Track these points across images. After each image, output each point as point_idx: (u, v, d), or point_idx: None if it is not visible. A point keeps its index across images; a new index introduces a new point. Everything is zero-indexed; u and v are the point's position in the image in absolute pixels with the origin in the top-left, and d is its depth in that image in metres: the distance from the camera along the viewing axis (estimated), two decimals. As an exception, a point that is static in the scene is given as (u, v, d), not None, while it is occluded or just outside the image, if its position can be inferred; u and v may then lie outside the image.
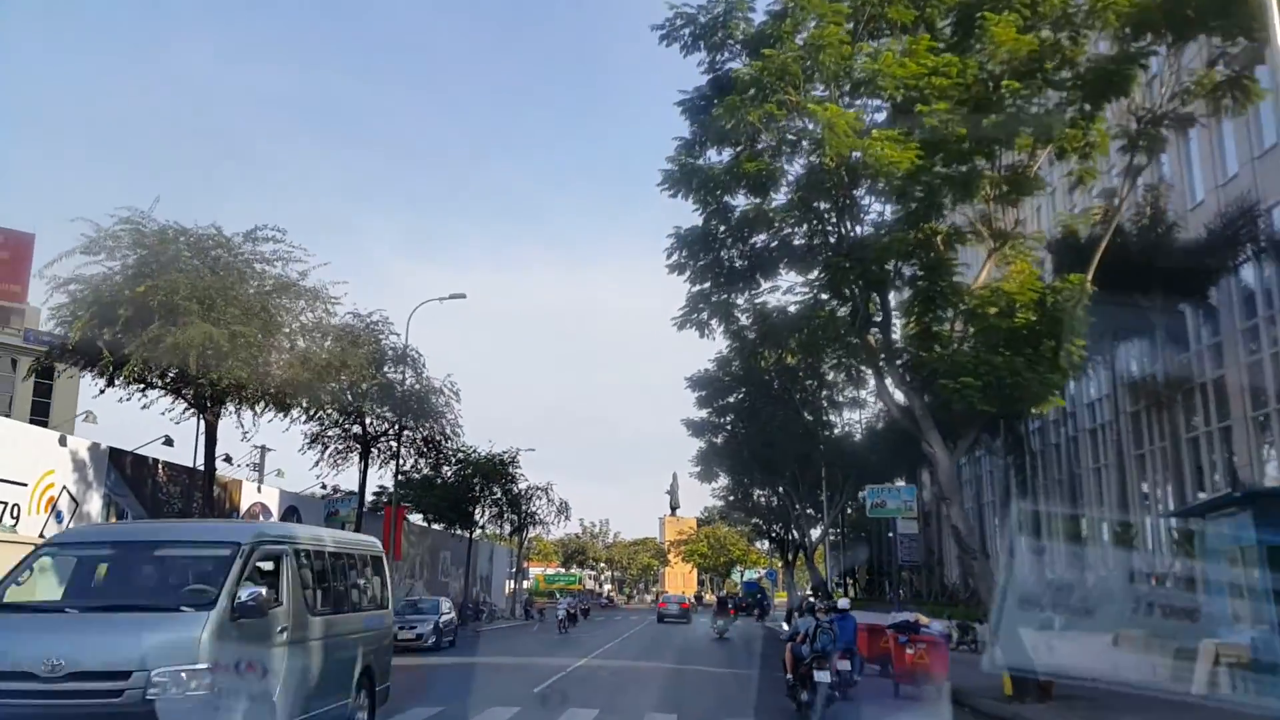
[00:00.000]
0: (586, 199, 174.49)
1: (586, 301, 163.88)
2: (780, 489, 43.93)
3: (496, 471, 42.57)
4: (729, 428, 39.51)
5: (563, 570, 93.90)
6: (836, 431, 36.91)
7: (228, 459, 25.30)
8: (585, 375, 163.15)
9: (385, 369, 28.17)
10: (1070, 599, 25.64)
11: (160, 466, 23.01)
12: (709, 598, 73.49)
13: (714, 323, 20.78)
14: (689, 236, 19.40)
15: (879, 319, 19.14)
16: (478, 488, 43.00)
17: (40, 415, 37.76)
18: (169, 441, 23.28)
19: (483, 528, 55.55)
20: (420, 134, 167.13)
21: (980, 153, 16.41)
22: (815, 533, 46.60)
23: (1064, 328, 16.69)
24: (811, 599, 19.94)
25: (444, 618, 28.24)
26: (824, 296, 20.26)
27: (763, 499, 49.01)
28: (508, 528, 54.79)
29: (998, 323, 16.99)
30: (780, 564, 60.56)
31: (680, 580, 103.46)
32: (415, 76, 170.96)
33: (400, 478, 40.87)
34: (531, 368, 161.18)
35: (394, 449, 29.88)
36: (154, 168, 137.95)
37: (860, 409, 36.93)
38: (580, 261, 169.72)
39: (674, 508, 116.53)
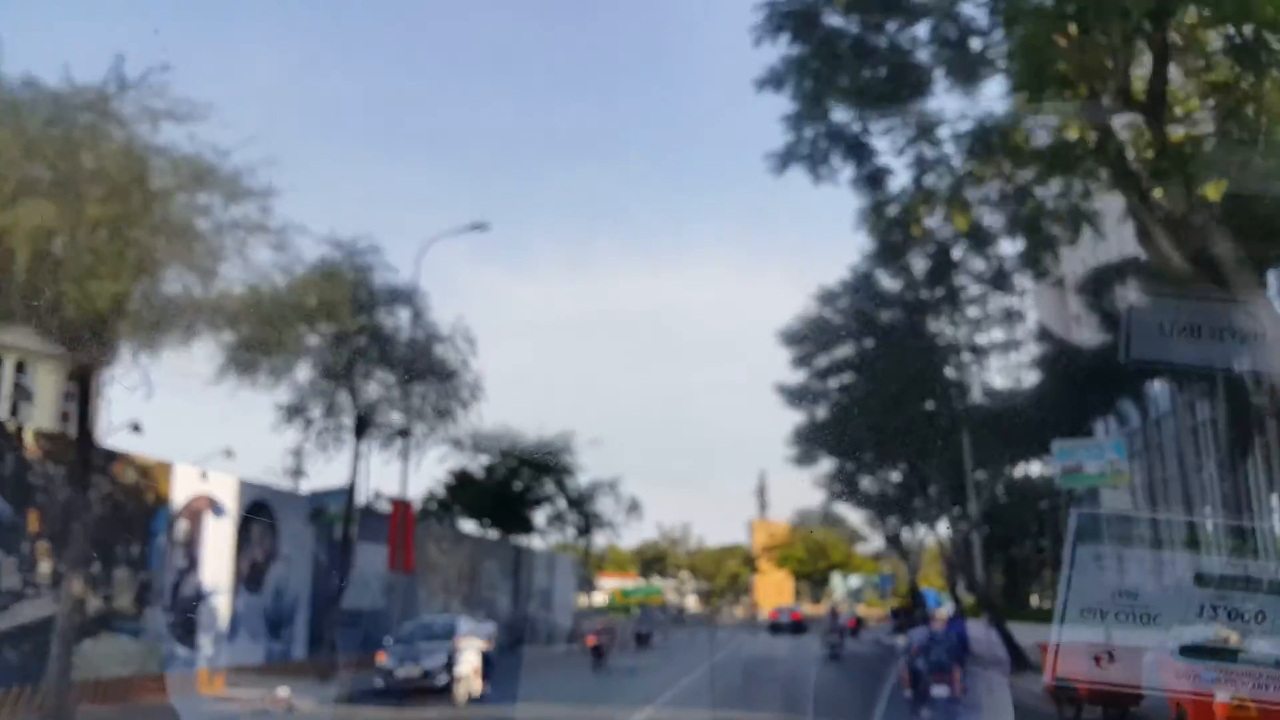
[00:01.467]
0: (665, 198, 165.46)
1: (667, 303, 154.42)
2: (901, 469, 35.13)
3: (547, 462, 34.88)
4: (836, 391, 30.92)
5: (642, 581, 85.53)
6: (982, 386, 27.91)
7: (136, 429, 18.48)
8: (665, 378, 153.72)
9: (377, 313, 20.84)
10: None
11: (29, 437, 15.95)
12: (816, 609, 63.76)
13: (835, 157, 12.70)
14: (788, 4, 11.55)
15: (1144, 100, 10.80)
16: (526, 482, 35.37)
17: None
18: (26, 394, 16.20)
19: (541, 534, 48.13)
20: (488, 136, 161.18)
21: None
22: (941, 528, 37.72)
23: None
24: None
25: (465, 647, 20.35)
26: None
27: (873, 487, 40.07)
28: (572, 532, 47.11)
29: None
30: (901, 566, 51.31)
31: (773, 590, 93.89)
32: (481, 76, 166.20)
33: (451, 480, 34.47)
34: (608, 371, 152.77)
35: (399, 425, 22.41)
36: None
37: (1013, 351, 27.71)
38: (660, 263, 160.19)
39: (763, 508, 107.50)
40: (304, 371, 21.25)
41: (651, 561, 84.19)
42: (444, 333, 21.54)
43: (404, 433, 22.52)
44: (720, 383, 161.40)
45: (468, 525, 38.42)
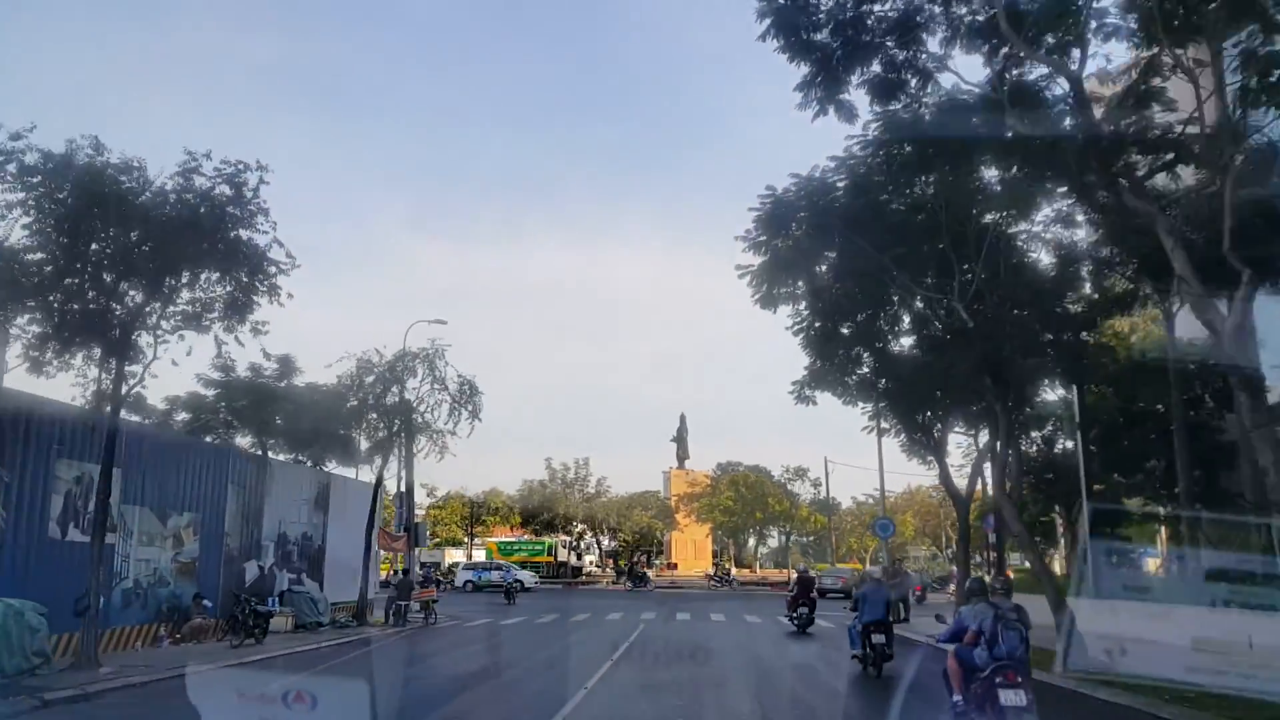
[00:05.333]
0: (599, 173, 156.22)
1: (597, 277, 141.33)
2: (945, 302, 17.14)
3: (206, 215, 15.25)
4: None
5: (525, 537, 66.60)
6: None
7: None
8: (587, 347, 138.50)
9: None
10: None
11: None
12: (741, 572, 46.88)
13: None
14: None
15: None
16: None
17: None
18: None
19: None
20: (425, 106, 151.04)
21: None
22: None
23: None
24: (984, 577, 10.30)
25: None
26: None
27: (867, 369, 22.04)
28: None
29: None
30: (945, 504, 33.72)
31: (692, 549, 76.41)
32: (419, 46, 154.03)
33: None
34: (537, 343, 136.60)
35: None
36: (145, 145, 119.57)
37: None
38: (591, 237, 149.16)
39: (682, 459, 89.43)
40: None
41: (536, 510, 64.83)
42: None
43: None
44: (642, 353, 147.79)
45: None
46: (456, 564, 65.65)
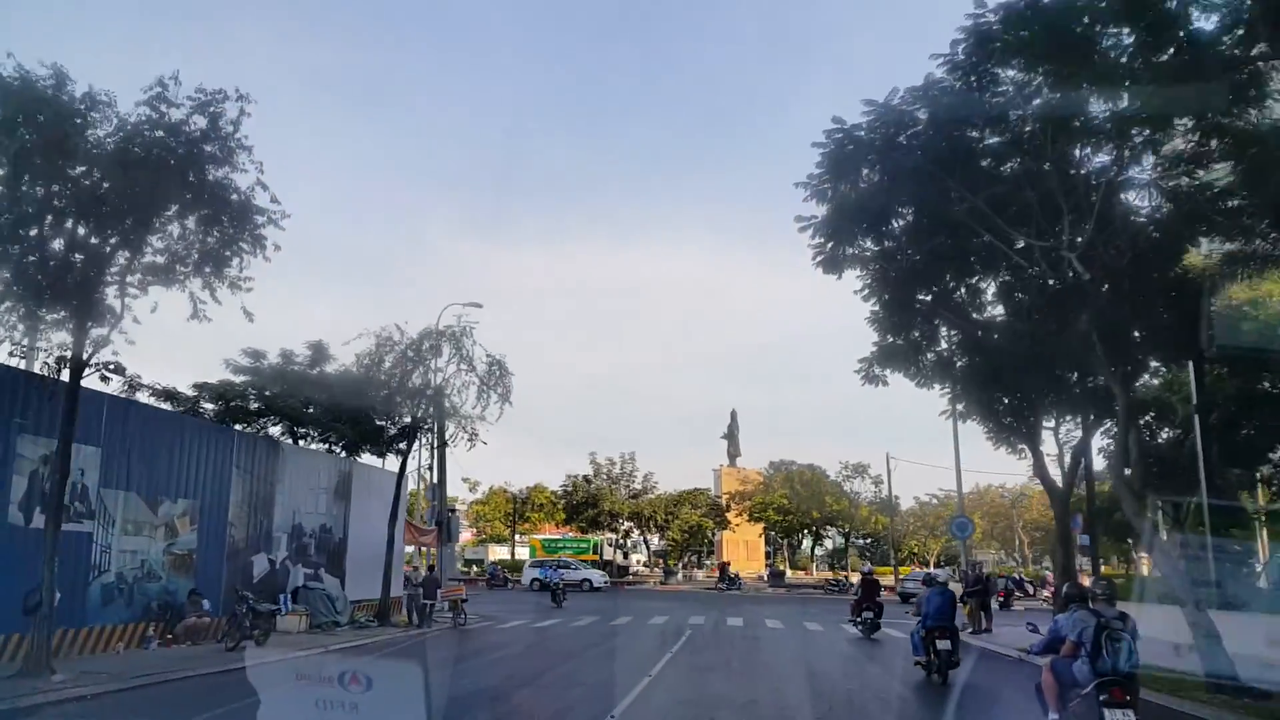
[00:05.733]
0: (646, 172, 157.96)
1: (635, 277, 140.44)
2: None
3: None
4: None
5: (571, 534, 64.43)
6: None
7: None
8: (634, 352, 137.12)
9: None
10: None
11: None
12: (798, 575, 43.77)
13: None
14: None
15: None
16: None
17: None
18: None
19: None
20: (471, 111, 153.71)
21: None
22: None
23: None
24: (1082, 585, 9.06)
25: None
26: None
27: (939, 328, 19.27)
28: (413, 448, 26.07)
29: None
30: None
31: (744, 550, 73.50)
32: (465, 52, 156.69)
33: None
34: (584, 342, 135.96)
35: None
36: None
37: None
38: (630, 239, 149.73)
39: (733, 457, 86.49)
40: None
41: (580, 506, 62.51)
42: None
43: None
44: (693, 351, 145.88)
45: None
46: (500, 561, 64.18)
